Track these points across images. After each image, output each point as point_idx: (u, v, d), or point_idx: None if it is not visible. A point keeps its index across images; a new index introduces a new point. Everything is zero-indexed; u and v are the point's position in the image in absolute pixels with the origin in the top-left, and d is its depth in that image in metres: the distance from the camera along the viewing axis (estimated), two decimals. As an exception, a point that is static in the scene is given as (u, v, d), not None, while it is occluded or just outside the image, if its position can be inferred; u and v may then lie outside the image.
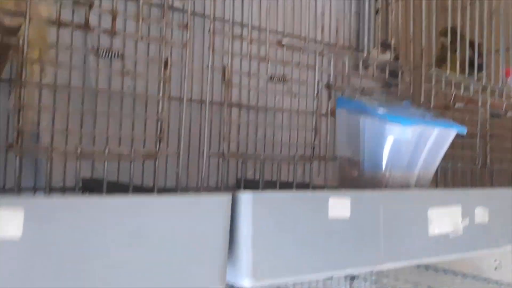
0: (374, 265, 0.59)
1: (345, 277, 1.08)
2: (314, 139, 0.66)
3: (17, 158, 0.48)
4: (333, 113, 0.70)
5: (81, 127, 0.54)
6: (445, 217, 0.65)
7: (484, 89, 0.86)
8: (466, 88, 0.84)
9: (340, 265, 0.56)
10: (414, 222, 0.62)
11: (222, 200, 0.48)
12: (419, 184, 0.66)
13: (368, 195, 0.58)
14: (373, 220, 0.58)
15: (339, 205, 0.55)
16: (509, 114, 0.90)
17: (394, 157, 0.63)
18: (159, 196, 0.45)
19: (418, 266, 1.18)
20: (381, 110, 0.61)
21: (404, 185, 0.65)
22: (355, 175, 0.66)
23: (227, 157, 0.59)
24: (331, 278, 1.05)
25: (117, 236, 0.42)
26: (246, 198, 0.49)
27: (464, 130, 0.65)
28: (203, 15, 0.85)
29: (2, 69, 0.64)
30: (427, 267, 1.16)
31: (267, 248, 0.50)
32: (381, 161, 0.63)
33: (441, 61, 0.82)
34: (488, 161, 0.85)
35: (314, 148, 0.66)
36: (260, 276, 0.50)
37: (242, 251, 0.50)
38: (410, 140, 0.61)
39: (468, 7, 0.85)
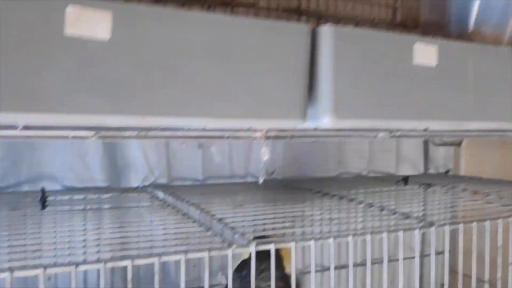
0: (460, 121, 0.55)
1: (420, 185, 1.04)
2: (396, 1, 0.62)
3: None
4: None
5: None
6: (540, 81, 0.60)
7: None
8: None
9: (423, 115, 0.53)
10: (505, 82, 0.58)
11: (302, 29, 0.46)
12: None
13: (457, 46, 0.54)
14: (462, 72, 0.55)
15: (425, 52, 0.52)
16: None
17: (484, 12, 0.58)
18: (240, 17, 0.44)
19: (501, 180, 1.12)
20: (472, -43, 0.56)
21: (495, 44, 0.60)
22: (440, 39, 0.62)
23: (303, 13, 0.57)
24: (405, 183, 1.02)
25: (197, 49, 0.42)
26: (327, 31, 0.47)
27: None
28: None
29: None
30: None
31: (349, 86, 0.49)
32: (470, 19, 0.59)
33: None
34: None
35: (395, 11, 0.62)
36: (341, 115, 0.48)
37: (323, 88, 0.48)
38: (504, -10, 0.56)
39: None
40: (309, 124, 0.52)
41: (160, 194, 0.92)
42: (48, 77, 0.37)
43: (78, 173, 1.02)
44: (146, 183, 1.06)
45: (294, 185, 1.06)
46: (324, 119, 0.48)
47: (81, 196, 0.90)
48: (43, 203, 0.79)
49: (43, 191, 0.82)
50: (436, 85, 0.53)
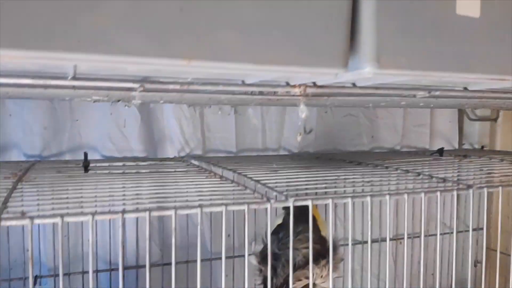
0: (502, 75, 0.54)
1: (455, 156, 1.03)
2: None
3: None
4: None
5: None
6: None
7: None
8: None
9: (465, 68, 0.52)
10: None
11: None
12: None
13: (500, -4, 0.53)
14: (505, 26, 0.54)
15: (469, 2, 0.51)
16: None
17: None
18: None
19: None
20: None
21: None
22: None
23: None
24: (441, 154, 1.00)
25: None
26: (369, -21, 0.47)
27: None
28: None
29: None
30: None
31: (391, 35, 0.48)
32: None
33: None
34: None
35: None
36: (383, 65, 0.48)
37: (365, 37, 0.48)
38: None
39: None
40: (349, 76, 0.52)
41: (196, 162, 0.94)
42: (97, 16, 0.38)
43: (117, 144, 1.05)
44: (182, 154, 1.08)
45: (327, 157, 1.06)
46: (365, 68, 0.48)
47: (120, 163, 0.93)
48: (86, 167, 0.81)
49: (86, 155, 0.85)
50: (478, 37, 0.52)
